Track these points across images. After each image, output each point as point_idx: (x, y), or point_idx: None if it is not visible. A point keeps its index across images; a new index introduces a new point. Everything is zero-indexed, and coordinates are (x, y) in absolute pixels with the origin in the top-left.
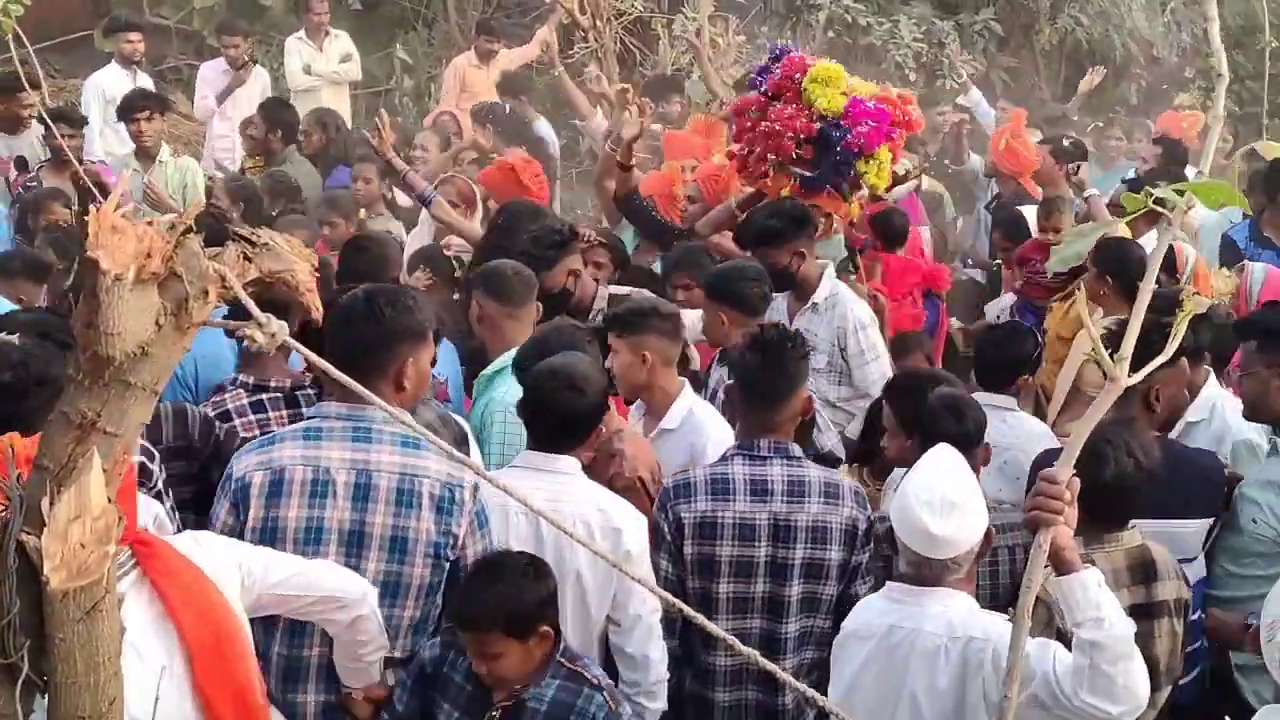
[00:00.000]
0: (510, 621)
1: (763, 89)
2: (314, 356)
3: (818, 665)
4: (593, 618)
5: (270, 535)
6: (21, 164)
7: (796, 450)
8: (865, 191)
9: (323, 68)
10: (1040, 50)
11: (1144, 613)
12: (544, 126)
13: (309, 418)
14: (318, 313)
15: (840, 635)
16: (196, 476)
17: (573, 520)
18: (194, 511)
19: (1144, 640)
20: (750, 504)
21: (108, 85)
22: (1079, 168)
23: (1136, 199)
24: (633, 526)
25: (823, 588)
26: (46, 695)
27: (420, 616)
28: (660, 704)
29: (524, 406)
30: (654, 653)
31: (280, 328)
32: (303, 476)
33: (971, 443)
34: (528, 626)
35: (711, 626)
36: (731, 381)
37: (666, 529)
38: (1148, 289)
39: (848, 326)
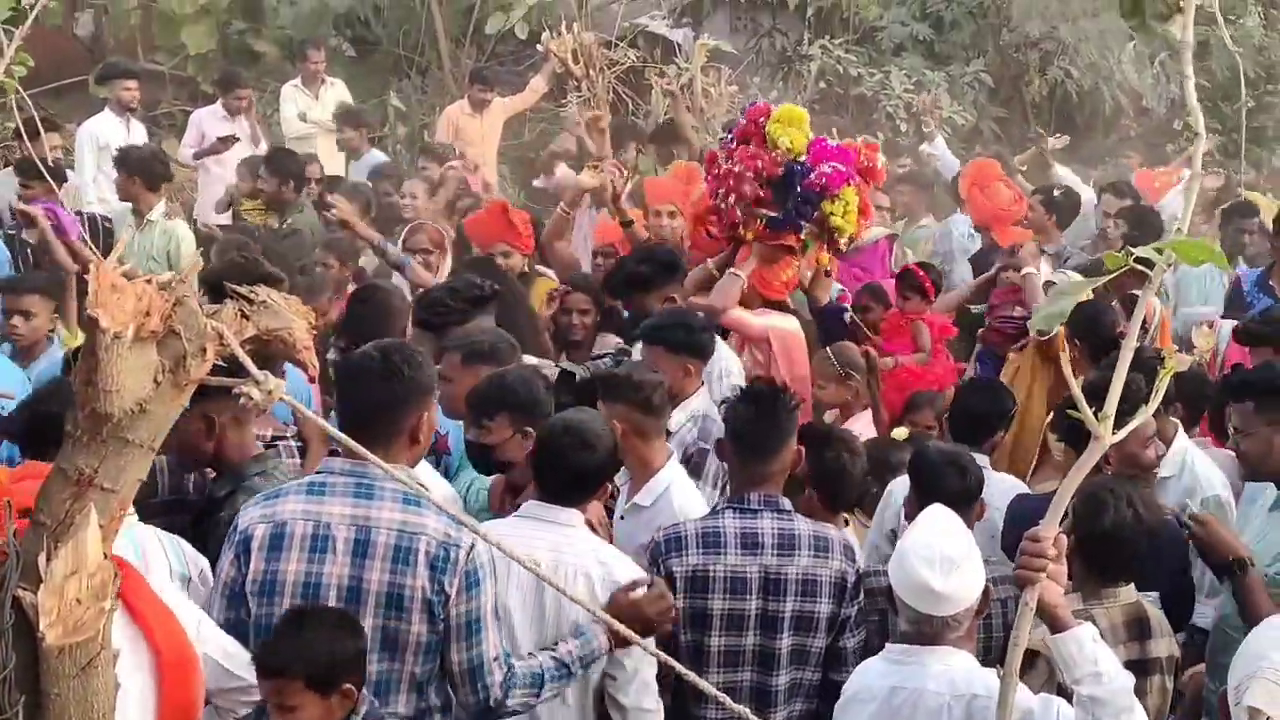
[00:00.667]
0: (311, 673)
1: (730, 138)
2: (308, 413)
3: (806, 717)
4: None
5: (270, 588)
6: None
7: (786, 504)
8: (841, 240)
9: (318, 115)
10: (1030, 102)
11: (1138, 669)
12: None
13: (318, 472)
14: (314, 370)
15: (841, 700)
16: (187, 531)
17: (574, 572)
18: None
19: (1143, 695)
20: (741, 557)
21: (102, 133)
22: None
23: (1117, 257)
24: (632, 580)
25: (812, 640)
26: None
27: (422, 675)
28: None
29: (535, 460)
30: (648, 703)
31: (277, 385)
32: (303, 531)
33: (971, 499)
34: (330, 681)
35: (704, 684)
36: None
37: None
38: (1130, 346)
39: (713, 372)
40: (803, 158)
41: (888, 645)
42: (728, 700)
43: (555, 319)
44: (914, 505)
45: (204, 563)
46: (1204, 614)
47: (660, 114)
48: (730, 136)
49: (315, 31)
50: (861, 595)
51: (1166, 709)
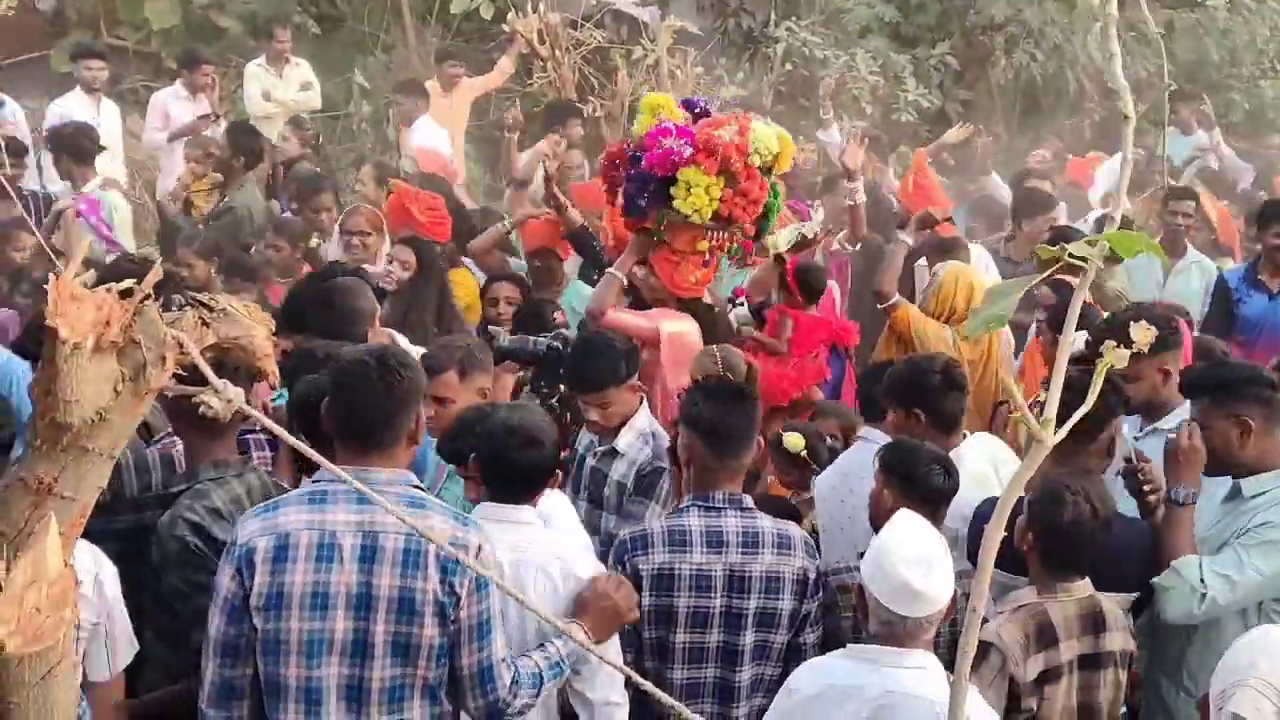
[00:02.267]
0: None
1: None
2: (270, 424)
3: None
4: None
5: (276, 601)
6: None
7: (748, 501)
8: (742, 236)
9: (282, 95)
10: (995, 84)
11: (1092, 663)
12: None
13: (315, 480)
14: (274, 378)
15: (799, 698)
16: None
17: (535, 571)
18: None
19: (1088, 690)
20: (707, 555)
21: (70, 112)
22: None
23: (1051, 250)
24: (593, 574)
25: (774, 636)
26: None
27: (434, 680)
28: None
29: (482, 464)
30: (615, 696)
31: (236, 394)
32: (309, 540)
33: (949, 499)
34: None
35: (663, 695)
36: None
37: None
38: (1068, 342)
39: None
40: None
41: (851, 645)
42: (687, 711)
43: (483, 310)
44: (893, 500)
45: (104, 571)
46: None
47: (626, 94)
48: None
49: (280, 8)
50: (821, 592)
51: (1120, 702)
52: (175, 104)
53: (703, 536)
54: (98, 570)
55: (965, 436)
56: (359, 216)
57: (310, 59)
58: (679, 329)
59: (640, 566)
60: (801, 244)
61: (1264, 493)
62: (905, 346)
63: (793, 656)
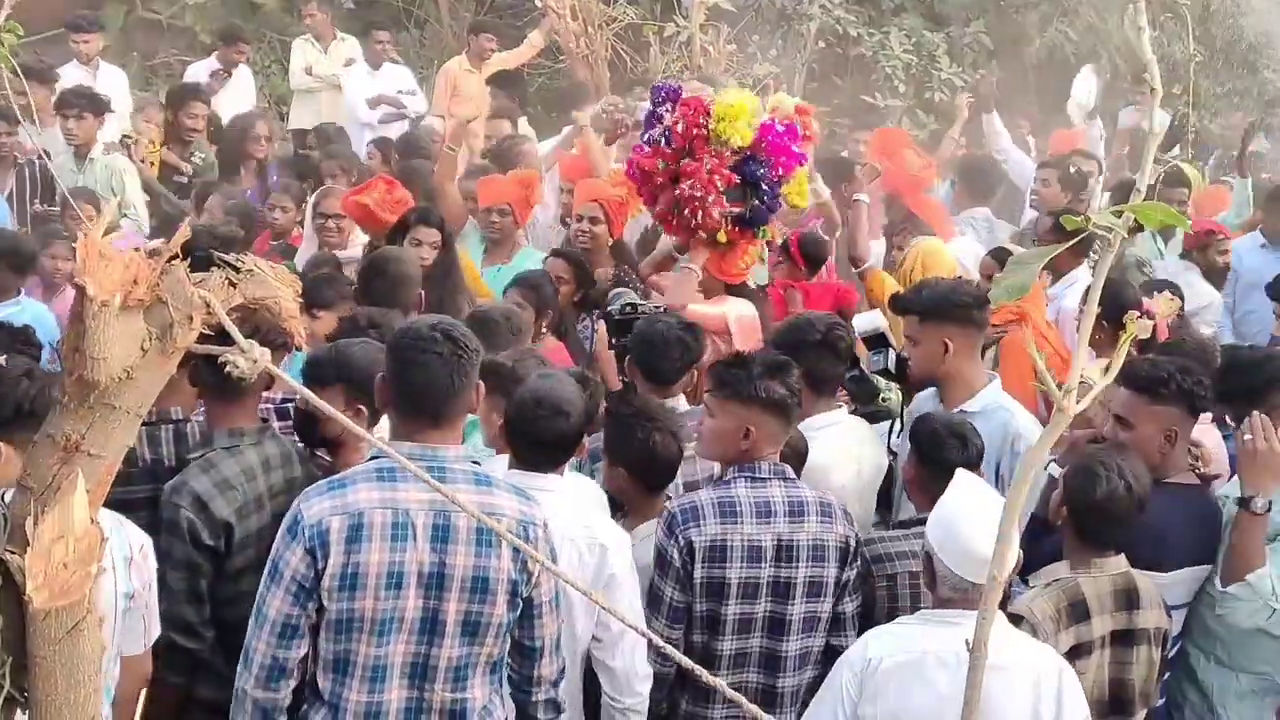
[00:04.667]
0: None
1: (663, 140)
2: (298, 385)
3: (815, 683)
4: (578, 633)
5: (351, 581)
6: None
7: (789, 471)
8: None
9: (324, 70)
10: (1029, 63)
11: (1125, 639)
12: (525, 126)
13: (374, 456)
14: (300, 339)
15: (883, 668)
16: (152, 500)
17: (560, 539)
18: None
19: (1120, 666)
20: (757, 526)
21: (70, 83)
22: None
23: (1075, 220)
24: (618, 544)
25: (822, 605)
26: (27, 712)
27: (497, 657)
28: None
29: (509, 430)
30: (639, 667)
31: (263, 354)
32: (382, 520)
33: (973, 468)
34: None
35: (702, 671)
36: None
37: (676, 554)
38: (1090, 313)
39: None
40: (757, 149)
41: (924, 611)
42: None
43: None
44: (916, 472)
45: (145, 541)
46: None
47: (659, 71)
48: (660, 138)
49: None
50: (859, 561)
51: (1154, 679)
52: (208, 79)
53: (752, 507)
54: (143, 541)
55: (842, 408)
56: (333, 198)
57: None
58: (743, 312)
59: (694, 538)
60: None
61: None
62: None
63: (834, 627)
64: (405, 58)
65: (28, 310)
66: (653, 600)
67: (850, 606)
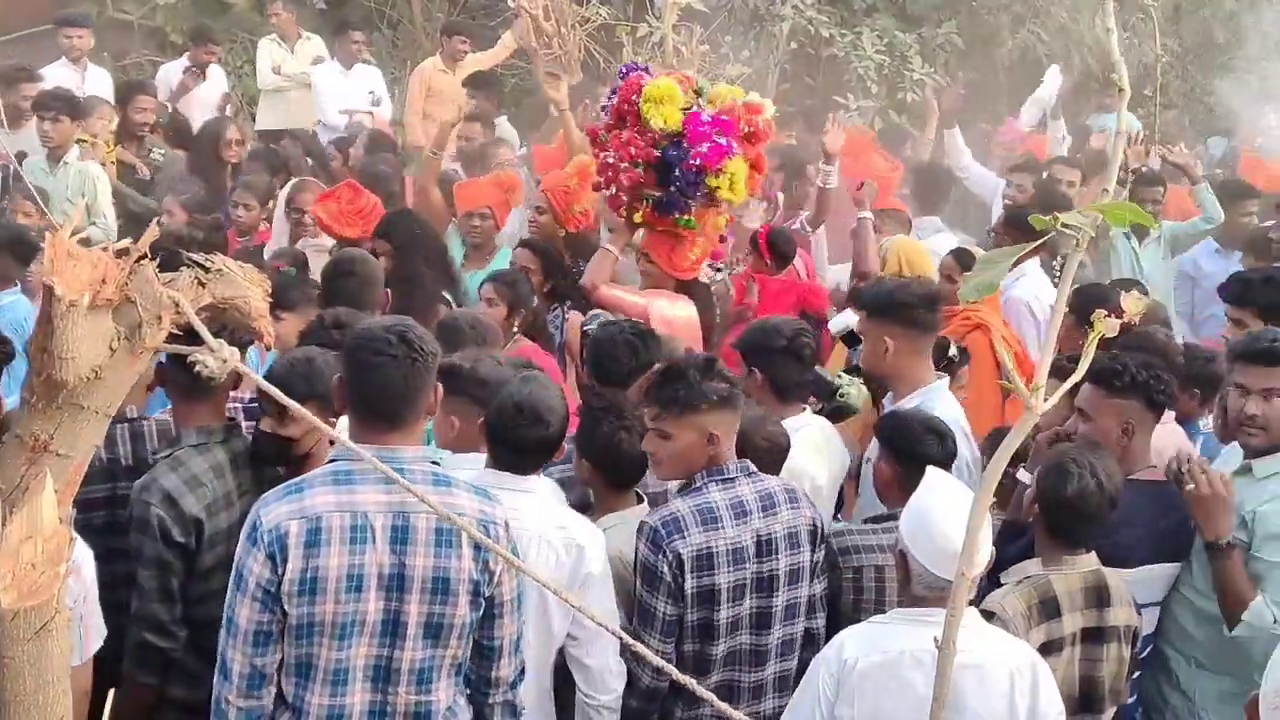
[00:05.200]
0: None
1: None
2: (267, 385)
3: (801, 670)
4: (553, 631)
5: (311, 585)
6: None
7: (750, 465)
8: (729, 204)
9: (292, 69)
10: (1001, 64)
11: (1096, 636)
12: (507, 126)
13: (333, 459)
14: (270, 339)
15: (859, 668)
16: (110, 500)
17: (536, 539)
18: (104, 536)
19: (1091, 663)
20: (736, 527)
21: (56, 82)
22: None
23: (1043, 219)
24: (593, 544)
25: (800, 591)
26: None
27: (461, 658)
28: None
29: (489, 434)
30: (614, 664)
31: (232, 354)
32: (341, 523)
33: (949, 464)
34: None
35: (695, 685)
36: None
37: (666, 568)
38: (1059, 310)
39: None
40: (680, 136)
41: (897, 609)
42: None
43: None
44: (890, 471)
45: (84, 552)
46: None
47: None
48: (606, 110)
49: None
50: (824, 550)
51: (1123, 676)
52: (178, 78)
53: (729, 509)
54: (79, 551)
55: (807, 410)
56: (307, 192)
57: (315, 33)
58: (672, 314)
59: (681, 551)
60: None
61: (1276, 474)
62: None
63: (808, 611)
64: (378, 58)
65: (20, 304)
66: (643, 616)
67: (819, 588)
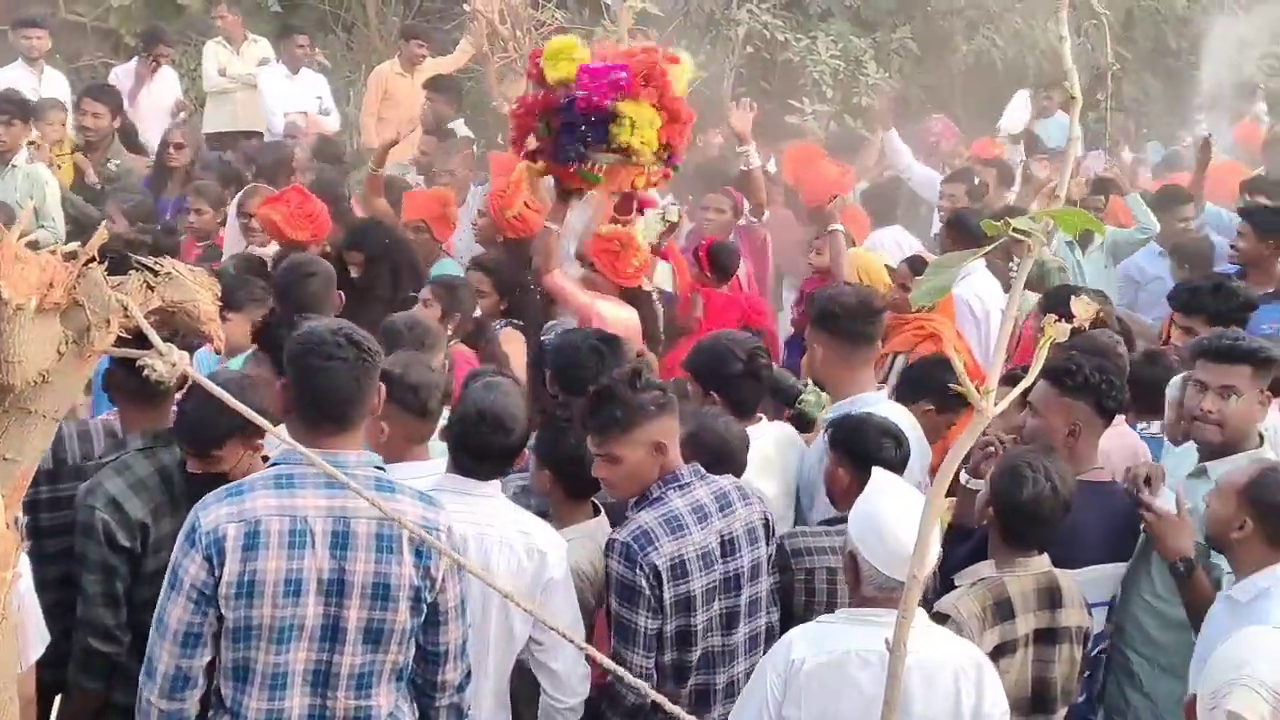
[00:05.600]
0: None
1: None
2: (217, 390)
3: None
4: (514, 635)
5: (249, 589)
6: None
7: (700, 467)
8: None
9: (237, 71)
10: (956, 69)
11: (1048, 637)
12: (465, 130)
13: (274, 463)
14: (220, 342)
15: (807, 668)
16: (54, 502)
17: (498, 544)
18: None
19: (1044, 664)
20: (701, 531)
21: (12, 84)
22: None
23: (996, 225)
24: (555, 549)
25: (761, 586)
26: None
27: (402, 664)
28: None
29: (451, 439)
30: (581, 668)
31: (181, 357)
32: (280, 527)
33: (901, 470)
34: None
35: (663, 700)
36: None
37: (644, 582)
38: (1010, 316)
39: None
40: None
41: (846, 609)
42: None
43: None
44: (848, 477)
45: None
46: None
47: None
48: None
49: None
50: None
51: (1075, 678)
52: (129, 82)
53: (692, 514)
54: None
55: (761, 419)
56: (257, 198)
57: (270, 38)
58: (615, 316)
59: (657, 563)
60: (671, 229)
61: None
62: None
63: (769, 604)
64: (333, 61)
65: None
66: (624, 633)
67: (770, 583)
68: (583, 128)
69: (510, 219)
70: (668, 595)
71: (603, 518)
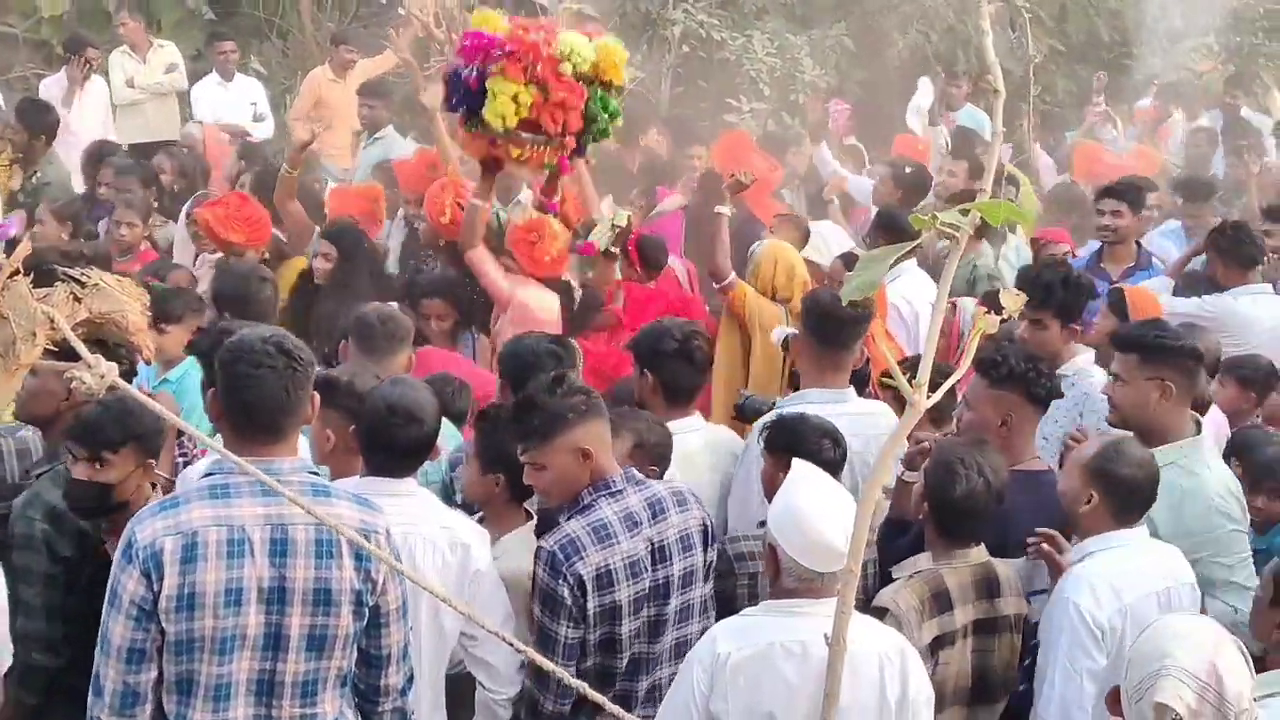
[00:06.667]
0: None
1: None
2: (147, 400)
3: None
4: (446, 631)
5: (189, 601)
6: None
7: (635, 472)
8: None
9: (145, 80)
10: (891, 65)
11: (987, 627)
12: (394, 134)
13: (209, 473)
14: (149, 353)
15: (732, 662)
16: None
17: (424, 543)
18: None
19: (983, 654)
20: (630, 540)
21: None
22: None
23: (923, 220)
24: (478, 541)
25: (694, 593)
26: None
27: (346, 669)
28: (510, 710)
29: (362, 439)
30: (515, 659)
31: (110, 369)
32: (217, 537)
33: (840, 469)
34: None
35: (604, 700)
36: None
37: (567, 592)
38: (939, 312)
39: None
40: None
41: (768, 602)
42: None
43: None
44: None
45: None
46: None
47: None
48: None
49: None
50: (721, 559)
51: (1015, 665)
52: (59, 93)
53: (621, 523)
54: None
55: (696, 415)
56: (204, 201)
57: (204, 44)
58: (534, 299)
59: (581, 572)
60: (622, 233)
61: (1172, 463)
62: (742, 330)
63: (702, 610)
64: (269, 68)
65: None
66: (544, 642)
67: (710, 589)
68: (457, 96)
69: (444, 223)
70: (591, 605)
71: (533, 522)
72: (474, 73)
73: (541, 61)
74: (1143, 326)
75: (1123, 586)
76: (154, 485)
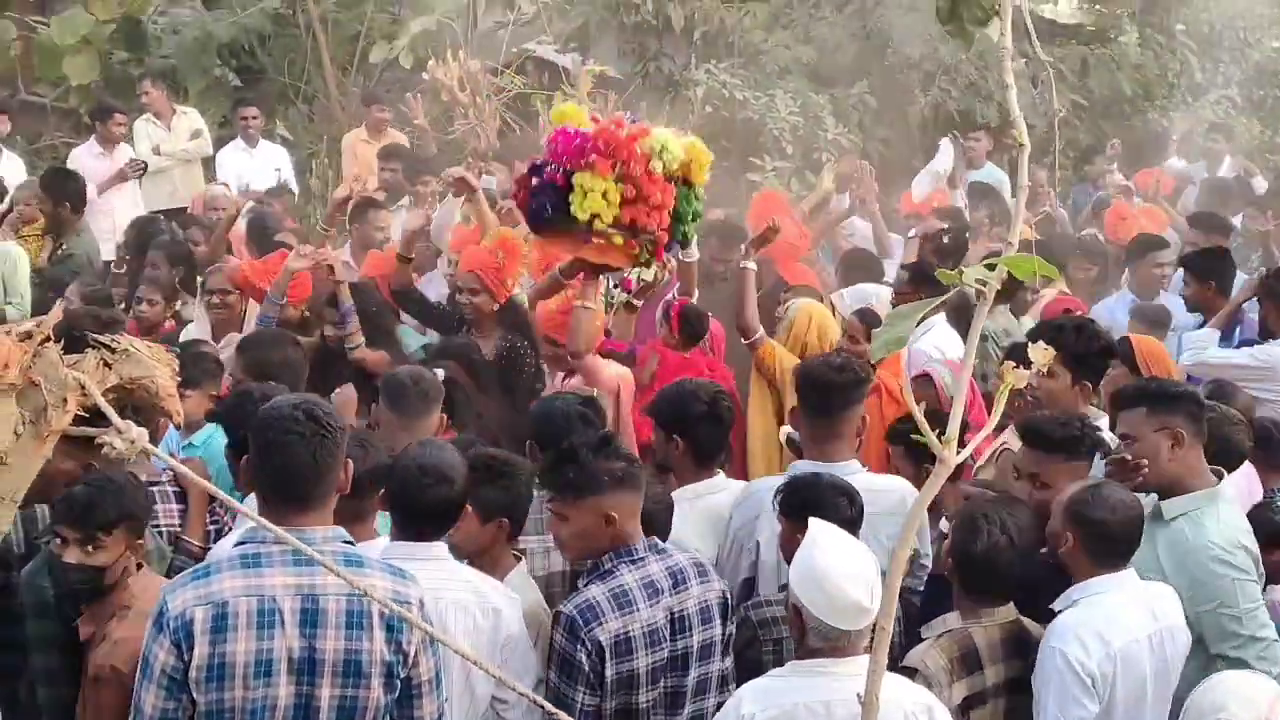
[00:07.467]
0: None
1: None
2: (180, 467)
3: None
4: (476, 695)
5: (219, 672)
6: None
7: (658, 542)
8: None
9: (171, 147)
10: (914, 122)
11: (1019, 686)
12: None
13: (241, 542)
14: (178, 417)
15: None
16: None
17: (453, 607)
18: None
19: (1015, 714)
20: (650, 608)
21: None
22: None
23: (950, 274)
24: (509, 607)
25: (712, 667)
26: None
27: None
28: None
29: (392, 500)
30: None
31: (140, 434)
32: (248, 608)
33: (858, 525)
34: None
35: None
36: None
37: (585, 658)
38: (967, 368)
39: None
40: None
41: (794, 662)
42: None
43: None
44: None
45: None
46: None
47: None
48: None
49: (199, 61)
50: (746, 626)
51: None
52: (91, 160)
53: (642, 590)
54: None
55: (720, 475)
56: (220, 274)
57: (228, 111)
58: (628, 375)
59: (600, 639)
60: (646, 287)
61: (1184, 514)
62: (772, 386)
63: (721, 684)
64: (294, 133)
65: None
66: (559, 706)
67: (729, 662)
68: (540, 193)
69: (508, 286)
70: (609, 672)
71: (524, 563)
72: (559, 170)
73: (635, 160)
74: (1141, 381)
75: (1110, 632)
76: (139, 565)
